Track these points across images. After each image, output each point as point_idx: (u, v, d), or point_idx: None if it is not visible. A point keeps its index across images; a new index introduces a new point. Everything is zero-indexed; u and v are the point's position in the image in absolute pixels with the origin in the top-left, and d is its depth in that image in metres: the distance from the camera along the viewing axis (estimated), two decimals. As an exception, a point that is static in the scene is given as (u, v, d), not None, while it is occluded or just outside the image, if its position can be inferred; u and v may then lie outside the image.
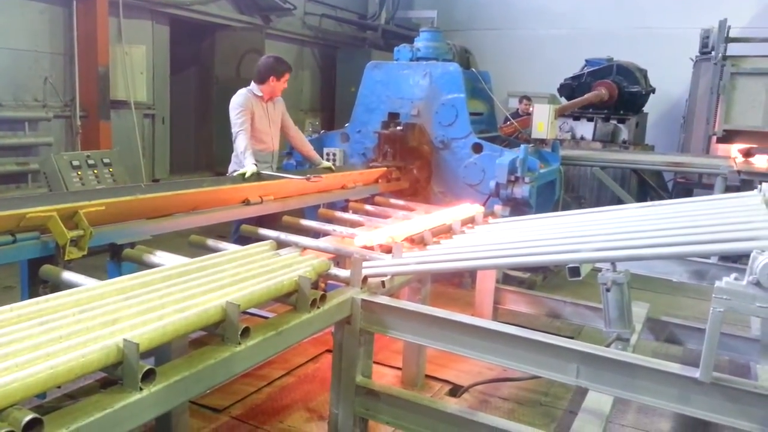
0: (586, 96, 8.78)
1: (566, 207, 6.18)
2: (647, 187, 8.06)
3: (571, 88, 9.50)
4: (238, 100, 4.76)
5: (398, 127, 5.62)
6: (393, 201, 4.70)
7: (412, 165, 5.63)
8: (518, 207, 5.05)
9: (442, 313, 2.48)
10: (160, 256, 2.75)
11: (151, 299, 2.04)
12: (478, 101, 6.21)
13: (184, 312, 1.94)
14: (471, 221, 3.81)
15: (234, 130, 4.72)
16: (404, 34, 11.88)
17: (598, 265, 2.99)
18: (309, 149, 5.28)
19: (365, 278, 2.66)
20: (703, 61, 8.85)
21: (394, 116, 5.77)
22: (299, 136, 5.31)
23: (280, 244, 3.10)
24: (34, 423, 1.40)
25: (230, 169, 4.83)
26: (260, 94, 4.85)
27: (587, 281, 3.17)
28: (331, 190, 4.57)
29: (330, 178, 4.62)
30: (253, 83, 4.89)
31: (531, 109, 8.90)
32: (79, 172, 5.85)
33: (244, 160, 4.51)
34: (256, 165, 4.40)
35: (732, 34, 8.37)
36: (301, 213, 4.42)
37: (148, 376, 1.69)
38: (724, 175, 6.56)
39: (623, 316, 2.98)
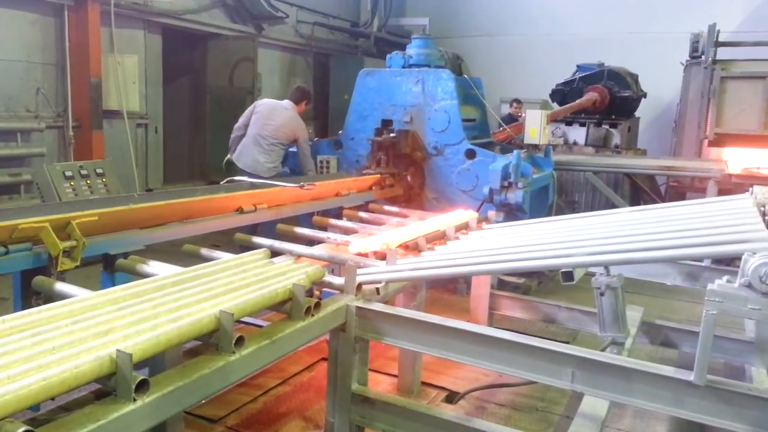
0: (577, 101, 8.83)
1: (560, 212, 6.20)
2: (640, 191, 8.08)
3: (563, 93, 9.54)
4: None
5: (391, 134, 5.63)
6: (387, 208, 4.70)
7: (405, 172, 5.65)
8: (512, 212, 5.06)
9: (438, 319, 2.48)
10: (153, 266, 2.74)
11: (144, 309, 2.03)
12: (471, 107, 6.22)
13: (177, 322, 1.93)
14: (465, 227, 3.82)
15: (307, 144, 5.82)
16: (396, 41, 11.92)
17: (591, 269, 3.00)
18: None
19: (360, 285, 2.66)
20: (693, 65, 8.90)
21: (387, 123, 5.79)
22: None
23: (274, 252, 3.09)
24: (27, 435, 1.39)
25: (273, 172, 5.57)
26: None
27: (582, 286, 3.18)
28: (324, 197, 4.57)
29: (324, 186, 4.62)
30: (293, 103, 5.85)
31: (521, 113, 8.96)
32: (72, 183, 5.84)
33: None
34: None
35: (721, 38, 8.44)
36: (296, 221, 4.42)
37: (142, 386, 1.68)
38: (716, 178, 6.61)
39: (618, 320, 2.99)
